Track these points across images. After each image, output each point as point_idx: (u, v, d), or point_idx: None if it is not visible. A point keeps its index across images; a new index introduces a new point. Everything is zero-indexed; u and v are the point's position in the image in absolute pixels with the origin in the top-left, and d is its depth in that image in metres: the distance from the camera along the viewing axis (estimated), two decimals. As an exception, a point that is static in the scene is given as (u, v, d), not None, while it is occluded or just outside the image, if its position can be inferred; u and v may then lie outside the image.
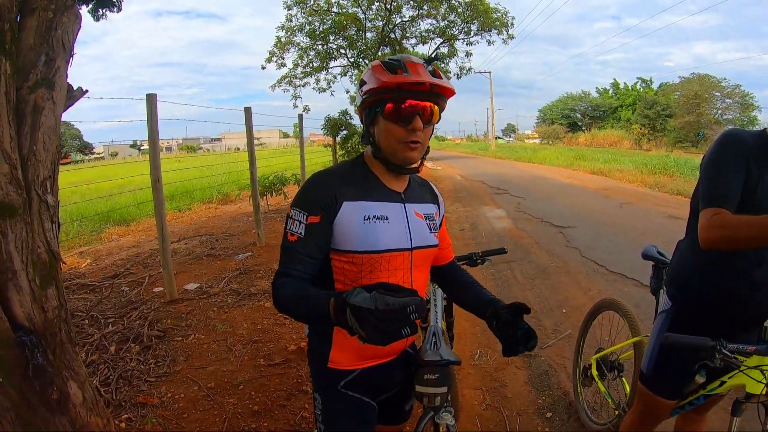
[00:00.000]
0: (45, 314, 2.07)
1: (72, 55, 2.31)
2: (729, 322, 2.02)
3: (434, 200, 1.88)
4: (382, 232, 1.60)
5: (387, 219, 1.63)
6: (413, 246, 1.68)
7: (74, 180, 12.53)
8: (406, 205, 1.71)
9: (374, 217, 1.60)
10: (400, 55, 1.60)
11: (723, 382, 1.98)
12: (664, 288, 2.26)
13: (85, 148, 70.24)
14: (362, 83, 1.60)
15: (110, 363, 3.96)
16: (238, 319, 4.98)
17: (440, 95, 1.57)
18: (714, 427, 2.94)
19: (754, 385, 1.82)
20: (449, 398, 1.84)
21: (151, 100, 5.47)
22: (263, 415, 3.42)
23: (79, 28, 2.34)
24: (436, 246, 1.79)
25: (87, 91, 2.45)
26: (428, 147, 1.67)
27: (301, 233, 1.56)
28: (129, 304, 5.36)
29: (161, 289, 5.75)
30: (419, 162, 1.67)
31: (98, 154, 72.35)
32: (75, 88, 2.38)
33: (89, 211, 10.69)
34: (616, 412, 2.97)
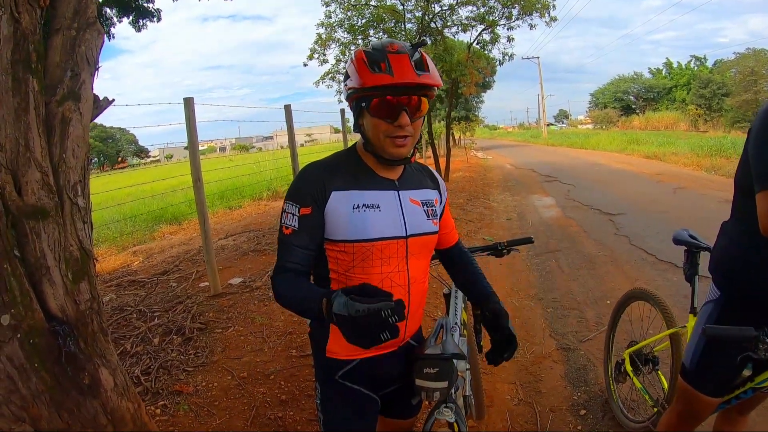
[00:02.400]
0: (77, 306, 2.23)
1: (97, 69, 2.45)
2: None
3: (435, 186, 1.86)
4: (372, 221, 1.60)
5: (378, 207, 1.62)
6: (408, 234, 1.66)
7: (130, 182, 12.94)
8: (400, 192, 1.70)
9: (364, 205, 1.61)
10: (384, 42, 1.57)
11: None
12: (710, 275, 2.05)
13: (141, 152, 72.28)
14: (346, 76, 1.62)
15: (153, 354, 4.15)
16: (277, 311, 5.10)
17: (428, 87, 1.56)
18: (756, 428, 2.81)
19: None
20: (452, 393, 1.77)
21: (189, 103, 5.63)
22: (290, 404, 3.52)
23: (103, 43, 2.49)
24: (435, 233, 1.76)
25: (113, 100, 2.60)
26: (420, 136, 1.68)
27: (294, 226, 1.59)
28: (175, 298, 5.58)
29: (207, 283, 5.95)
30: (410, 153, 1.67)
31: (154, 157, 74.30)
32: (101, 99, 2.54)
33: (142, 210, 11.02)
34: (655, 409, 2.83)
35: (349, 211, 1.60)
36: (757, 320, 1.66)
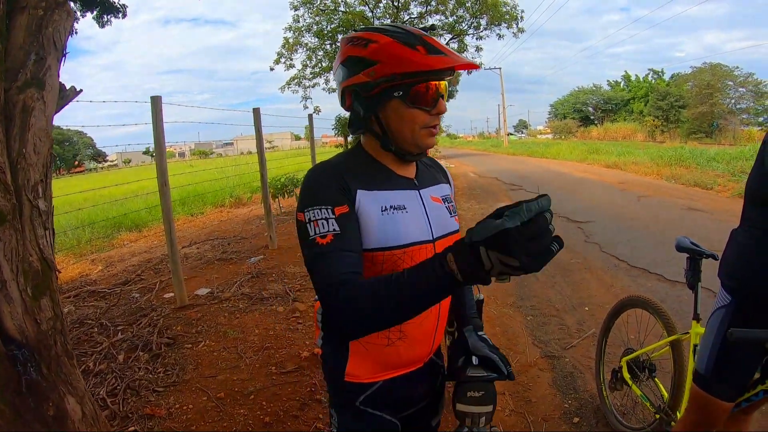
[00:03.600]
0: (38, 326, 1.97)
1: (65, 55, 2.22)
2: None
3: (446, 179, 1.72)
4: (404, 224, 1.41)
5: (405, 209, 1.43)
6: (435, 237, 1.48)
7: (88, 186, 12.59)
8: (420, 191, 1.53)
9: (392, 207, 1.41)
10: (394, 25, 1.41)
11: None
12: (720, 281, 2.08)
13: (99, 156, 71.13)
14: (361, 62, 1.38)
15: (118, 372, 3.87)
16: (250, 324, 4.88)
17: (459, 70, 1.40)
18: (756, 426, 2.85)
19: None
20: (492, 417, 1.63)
21: (156, 102, 5.39)
22: (275, 426, 3.31)
23: (73, 27, 2.24)
24: (457, 231, 1.57)
25: (81, 90, 2.35)
26: None
27: (334, 229, 1.29)
28: (139, 310, 5.29)
29: (172, 294, 5.67)
30: None
31: (112, 161, 73.39)
32: (68, 88, 2.28)
33: (101, 216, 10.72)
34: (657, 416, 2.82)
35: (378, 214, 1.38)
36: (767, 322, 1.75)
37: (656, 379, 2.98)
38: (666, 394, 2.82)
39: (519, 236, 0.95)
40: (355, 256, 1.31)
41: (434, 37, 1.38)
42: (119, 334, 4.61)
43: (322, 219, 1.30)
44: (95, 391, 3.54)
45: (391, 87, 1.36)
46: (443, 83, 1.41)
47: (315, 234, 1.29)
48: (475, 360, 1.61)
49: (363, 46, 1.37)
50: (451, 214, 1.59)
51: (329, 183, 1.36)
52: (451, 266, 1.05)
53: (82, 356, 4.13)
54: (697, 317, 2.53)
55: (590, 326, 4.68)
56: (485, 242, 0.99)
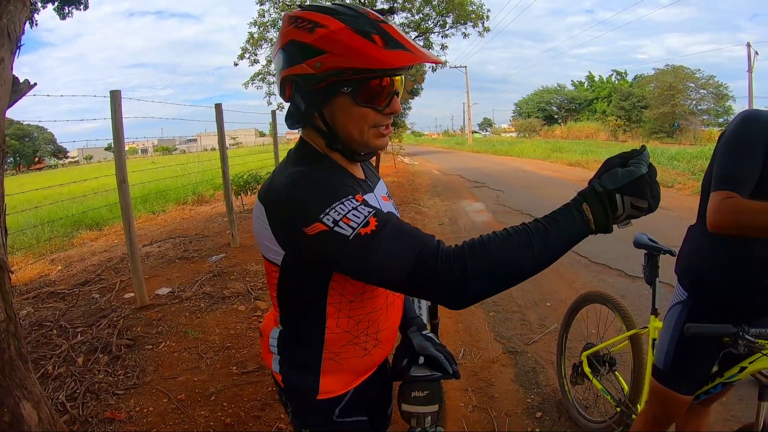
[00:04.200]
0: (-10, 330, 1.91)
1: (19, 47, 2.15)
2: (750, 308, 1.96)
3: (378, 175, 1.62)
4: None
5: None
6: None
7: (48, 183, 12.33)
8: (374, 192, 1.45)
9: None
10: (350, 5, 1.23)
11: (743, 368, 1.91)
12: (676, 277, 2.15)
13: (60, 152, 69.71)
14: (305, 49, 1.19)
15: (78, 376, 3.79)
16: (211, 324, 4.83)
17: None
18: (714, 417, 2.95)
19: None
20: (440, 416, 1.62)
21: (115, 97, 5.26)
22: (236, 427, 3.27)
23: (33, 18, 2.18)
24: None
25: (35, 84, 2.29)
26: None
27: (369, 211, 1.12)
28: (99, 311, 5.18)
29: (132, 294, 5.57)
30: None
31: (73, 158, 72.00)
32: (21, 81, 2.21)
33: (61, 214, 10.48)
34: (618, 409, 2.87)
35: None
36: (724, 319, 1.77)
37: (617, 372, 3.03)
38: (626, 388, 2.87)
39: (650, 180, 1.07)
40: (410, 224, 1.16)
41: (391, 23, 1.22)
42: (78, 336, 4.51)
43: (350, 210, 1.12)
44: (54, 396, 3.47)
45: (339, 81, 1.20)
46: (399, 78, 1.27)
47: (353, 230, 1.10)
48: (420, 360, 1.59)
49: (309, 30, 1.19)
50: (397, 211, 1.52)
51: (328, 179, 1.22)
52: (588, 215, 1.09)
53: (41, 360, 4.04)
54: (655, 312, 2.57)
55: (552, 322, 4.73)
56: (622, 189, 1.07)
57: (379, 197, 1.46)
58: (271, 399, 3.53)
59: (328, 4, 1.25)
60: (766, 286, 1.93)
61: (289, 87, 1.27)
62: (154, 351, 4.29)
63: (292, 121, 1.33)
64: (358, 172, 1.43)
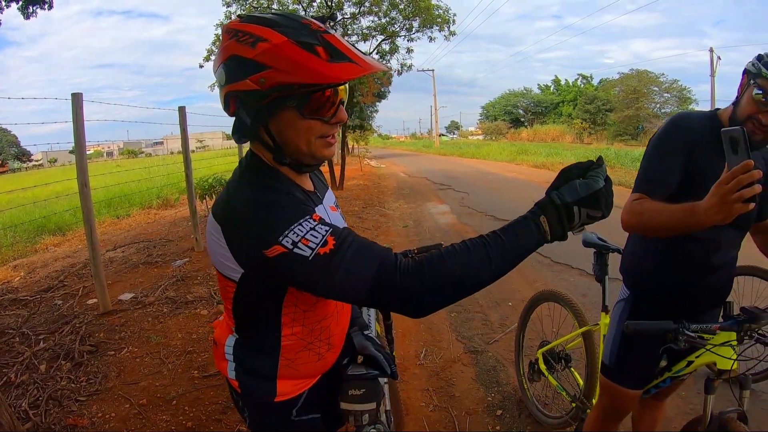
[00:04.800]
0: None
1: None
2: (690, 305, 2.04)
3: (327, 183, 1.67)
4: None
5: None
6: None
7: (10, 187, 12.14)
8: (323, 204, 1.48)
9: None
10: (288, 15, 1.22)
11: (690, 362, 2.00)
12: (621, 276, 2.26)
13: (23, 155, 68.20)
14: (247, 64, 1.18)
15: (40, 383, 3.79)
16: (173, 329, 4.85)
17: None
18: (674, 411, 3.17)
19: (724, 361, 1.83)
20: (379, 415, 1.67)
21: (77, 100, 5.21)
22: (198, 430, 3.31)
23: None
24: None
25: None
26: None
27: (326, 230, 1.16)
28: (61, 318, 5.15)
29: (95, 300, 5.53)
30: None
31: (37, 161, 70.49)
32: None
33: (24, 219, 10.26)
34: (573, 404, 2.95)
35: None
36: (667, 314, 1.82)
37: (572, 369, 3.11)
38: (582, 383, 2.93)
39: (606, 193, 1.18)
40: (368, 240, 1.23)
41: (333, 32, 1.21)
42: (41, 343, 4.50)
43: (308, 231, 1.15)
44: (17, 403, 3.48)
45: (284, 96, 1.20)
46: (343, 87, 1.29)
47: (312, 251, 1.13)
48: (359, 359, 1.65)
49: (251, 44, 1.17)
50: (344, 220, 1.58)
51: (286, 203, 1.23)
52: (544, 227, 1.18)
53: (3, 367, 4.03)
54: (605, 309, 2.66)
55: (513, 321, 4.73)
56: (579, 201, 1.17)
57: (327, 207, 1.51)
58: (232, 402, 3.57)
59: (269, 14, 1.21)
60: (705, 287, 2.02)
61: (233, 102, 1.25)
62: (116, 357, 4.30)
63: (238, 135, 1.30)
64: (307, 183, 1.46)
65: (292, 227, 1.14)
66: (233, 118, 1.29)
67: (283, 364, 1.44)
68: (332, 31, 1.21)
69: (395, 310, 1.20)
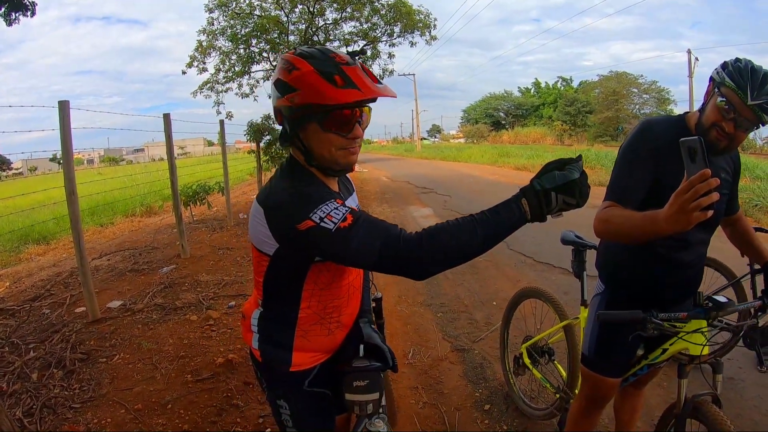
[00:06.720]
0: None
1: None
2: (662, 297, 2.13)
3: (353, 187, 1.93)
4: None
5: None
6: None
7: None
8: (346, 204, 1.58)
9: None
10: (322, 50, 1.50)
11: (665, 350, 2.08)
12: (597, 272, 2.36)
13: (3, 164, 67.27)
14: (285, 86, 1.48)
15: (33, 391, 3.79)
16: (164, 335, 4.87)
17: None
18: (656, 401, 3.28)
19: (695, 347, 1.92)
20: (382, 404, 1.81)
21: (63, 107, 5.25)
22: None
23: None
24: None
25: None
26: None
27: (347, 210, 1.43)
28: (50, 327, 5.14)
29: (83, 309, 5.53)
30: None
31: (17, 169, 69.60)
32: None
33: (6, 229, 10.15)
34: (557, 396, 3.05)
35: None
36: (636, 308, 1.88)
37: (556, 362, 3.24)
38: (565, 375, 3.04)
39: (580, 184, 1.38)
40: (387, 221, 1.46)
41: (358, 65, 1.48)
42: (31, 352, 4.50)
43: (332, 210, 1.41)
44: (11, 412, 3.46)
45: (309, 113, 1.48)
46: (367, 108, 1.57)
47: (335, 224, 1.39)
48: (361, 351, 1.79)
49: (288, 71, 1.48)
50: None
51: (311, 189, 1.51)
52: (525, 208, 1.40)
53: (-5, 378, 4.01)
54: (584, 303, 2.79)
55: (498, 319, 4.67)
56: (556, 188, 1.38)
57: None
58: (227, 404, 3.62)
59: (311, 49, 1.52)
60: (676, 281, 2.13)
61: (279, 114, 1.56)
62: (108, 363, 4.30)
63: (282, 140, 1.62)
64: (334, 185, 1.69)
65: (321, 206, 1.41)
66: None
67: (299, 334, 1.70)
68: (356, 64, 1.48)
69: (401, 273, 1.44)
